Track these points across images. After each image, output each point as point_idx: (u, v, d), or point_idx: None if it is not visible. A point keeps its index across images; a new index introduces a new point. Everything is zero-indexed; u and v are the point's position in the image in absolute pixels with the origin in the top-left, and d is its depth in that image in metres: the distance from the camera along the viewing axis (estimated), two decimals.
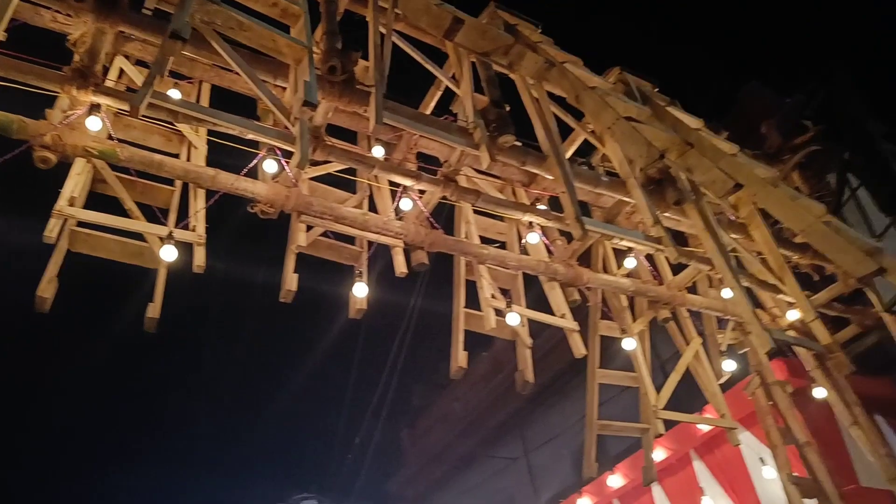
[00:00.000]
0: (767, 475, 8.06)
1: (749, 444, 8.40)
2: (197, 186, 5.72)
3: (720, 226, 6.07)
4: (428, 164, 6.62)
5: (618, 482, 10.38)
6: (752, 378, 7.43)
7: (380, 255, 6.96)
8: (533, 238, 6.79)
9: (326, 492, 22.61)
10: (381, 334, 19.80)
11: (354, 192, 6.80)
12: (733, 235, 6.48)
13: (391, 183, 6.48)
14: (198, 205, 5.81)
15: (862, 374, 7.62)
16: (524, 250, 7.05)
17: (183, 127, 5.74)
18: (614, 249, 7.43)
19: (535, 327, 7.24)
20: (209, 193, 5.78)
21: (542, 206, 6.83)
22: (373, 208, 6.63)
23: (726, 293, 6.96)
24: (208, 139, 5.94)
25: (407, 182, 6.17)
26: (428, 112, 6.50)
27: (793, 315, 6.98)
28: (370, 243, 6.51)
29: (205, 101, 6.16)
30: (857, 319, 7.22)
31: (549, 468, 16.59)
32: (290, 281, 6.01)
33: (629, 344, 7.12)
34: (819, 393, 7.00)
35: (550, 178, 6.34)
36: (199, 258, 5.67)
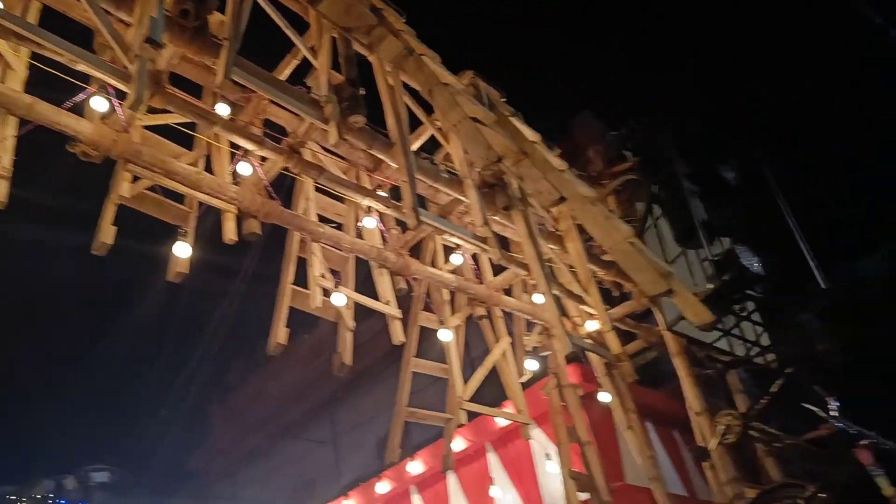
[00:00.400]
0: (551, 469, 8.55)
1: (539, 440, 8.87)
2: (8, 112, 4.99)
3: (541, 235, 6.35)
4: (274, 133, 6.32)
5: (417, 469, 10.52)
6: (550, 379, 7.83)
7: (210, 219, 6.54)
8: (370, 222, 6.69)
9: (122, 463, 21.02)
10: (202, 304, 18.74)
11: (191, 150, 6.33)
12: (551, 246, 6.80)
13: (232, 145, 6.09)
14: (6, 132, 5.08)
15: (640, 385, 8.32)
16: (359, 234, 6.94)
17: None
18: (444, 246, 7.53)
19: (359, 315, 7.15)
20: (22, 123, 5.08)
21: (382, 194, 6.75)
22: (210, 170, 6.20)
23: (538, 298, 7.29)
24: (30, 63, 5.22)
25: (249, 146, 5.83)
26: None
27: (591, 325, 7.44)
28: (201, 205, 6.08)
29: (32, 21, 5.42)
30: (644, 335, 7.87)
31: (354, 452, 16.56)
32: (107, 233, 5.42)
33: (445, 335, 7.23)
34: (604, 397, 7.53)
35: (395, 166, 6.29)
36: (1, 192, 4.96)
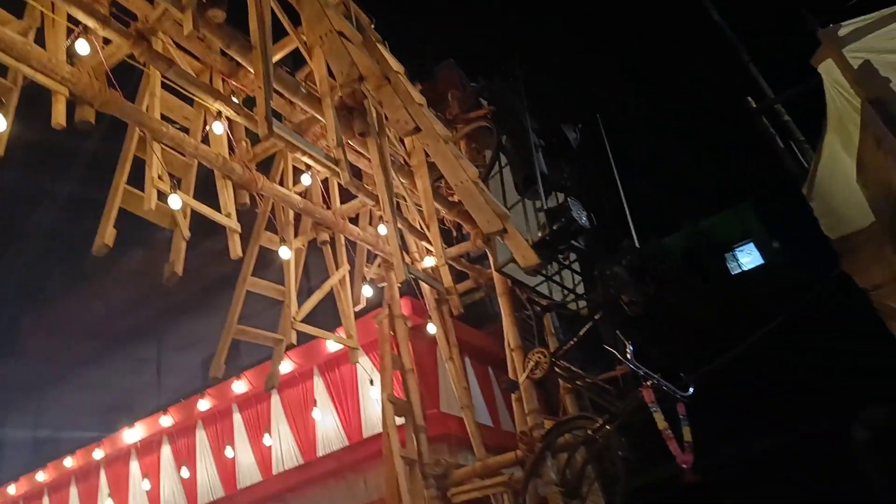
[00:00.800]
0: (373, 395, 8.70)
1: (364, 367, 8.97)
2: None
3: (393, 167, 6.28)
4: (123, 16, 5.64)
5: (241, 388, 10.28)
6: (383, 310, 7.88)
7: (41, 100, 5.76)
8: (218, 128, 6.24)
9: None
10: (24, 198, 16.68)
11: (22, 18, 5.51)
12: (401, 180, 6.76)
13: (72, 20, 5.37)
14: None
15: (465, 322, 8.64)
16: (206, 141, 6.46)
17: None
18: (294, 167, 7.24)
19: (198, 234, 6.70)
20: None
21: (235, 100, 6.31)
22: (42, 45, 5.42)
23: (382, 229, 7.26)
24: None
25: (91, 23, 5.17)
26: None
27: (429, 261, 7.56)
28: (26, 80, 5.33)
29: None
30: (475, 276, 8.13)
31: (179, 373, 15.87)
32: None
33: (284, 252, 6.99)
34: (431, 329, 7.73)
35: (252, 74, 5.88)
36: None
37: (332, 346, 9.26)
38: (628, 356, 5.33)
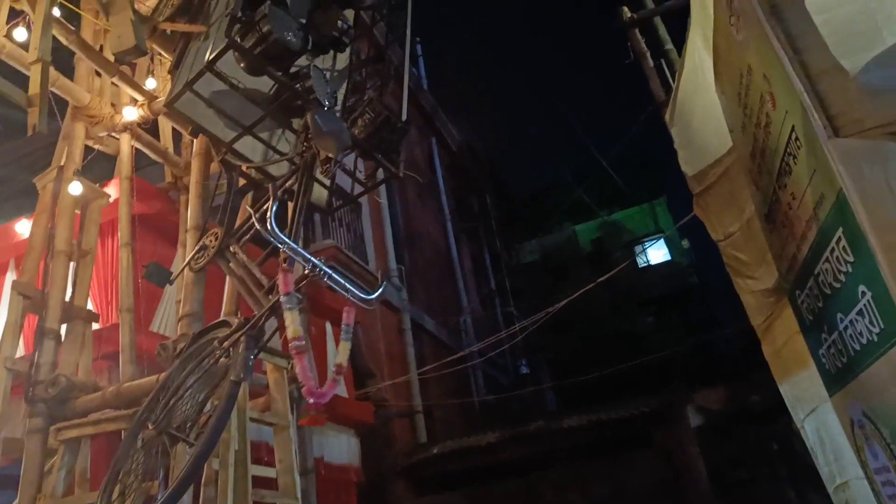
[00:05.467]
0: None
1: None
2: None
3: None
4: None
5: None
6: (52, 170, 5.19)
7: None
8: None
9: None
10: None
11: None
12: None
13: None
14: None
15: None
16: None
17: None
18: None
19: None
20: None
21: None
22: None
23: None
24: None
25: None
26: None
27: (131, 113, 5.06)
28: None
29: None
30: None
31: None
32: None
33: None
34: None
35: None
36: None
37: None
38: (269, 217, 3.10)
